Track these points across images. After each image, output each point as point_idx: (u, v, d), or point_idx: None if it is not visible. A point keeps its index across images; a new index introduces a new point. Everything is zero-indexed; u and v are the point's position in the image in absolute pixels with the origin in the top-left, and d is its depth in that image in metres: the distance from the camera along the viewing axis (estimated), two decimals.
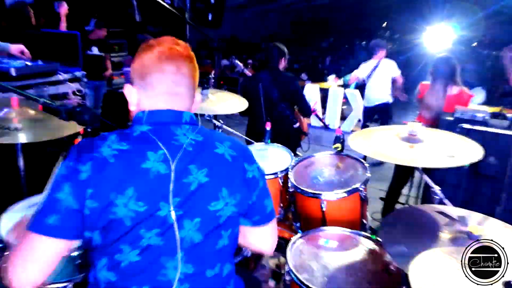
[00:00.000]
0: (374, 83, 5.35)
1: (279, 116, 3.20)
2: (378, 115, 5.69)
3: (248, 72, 3.91)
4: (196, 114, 1.26)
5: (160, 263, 1.08)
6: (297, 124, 3.32)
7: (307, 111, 3.46)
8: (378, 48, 5.29)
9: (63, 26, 4.66)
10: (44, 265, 1.04)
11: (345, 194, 2.07)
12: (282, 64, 3.40)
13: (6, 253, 1.58)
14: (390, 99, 5.42)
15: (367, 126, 5.67)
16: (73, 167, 1.04)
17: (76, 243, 1.09)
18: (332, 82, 7.51)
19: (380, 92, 5.38)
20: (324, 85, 7.68)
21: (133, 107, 1.20)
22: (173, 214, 1.07)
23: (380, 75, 5.30)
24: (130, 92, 1.19)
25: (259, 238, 1.33)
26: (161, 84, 1.15)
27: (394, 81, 5.30)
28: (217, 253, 1.16)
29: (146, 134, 1.12)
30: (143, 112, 1.16)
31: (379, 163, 4.74)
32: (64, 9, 4.55)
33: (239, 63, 3.80)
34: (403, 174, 3.59)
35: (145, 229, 1.05)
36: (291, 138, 3.34)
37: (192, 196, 1.10)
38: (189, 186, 1.09)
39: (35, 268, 1.03)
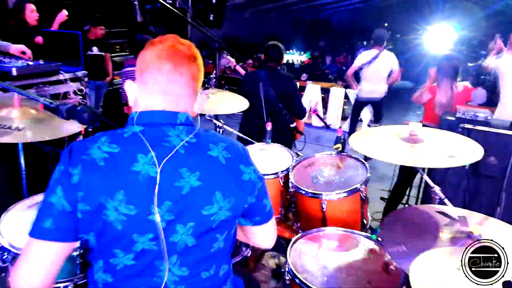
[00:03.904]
0: (371, 74, 5.20)
1: (276, 115, 3.20)
2: (371, 111, 5.60)
3: (240, 69, 3.81)
4: (196, 114, 1.24)
5: (155, 266, 1.08)
6: (294, 124, 3.32)
7: (301, 113, 3.41)
8: (382, 40, 5.14)
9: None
10: (44, 269, 1.04)
11: (346, 194, 2.07)
12: (280, 63, 3.39)
13: (6, 253, 1.59)
14: (383, 95, 5.32)
15: (357, 121, 5.56)
16: (64, 171, 1.04)
17: (75, 244, 1.09)
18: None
19: (375, 85, 5.24)
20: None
21: (131, 103, 1.18)
22: (158, 218, 1.05)
23: (379, 67, 5.15)
24: (130, 88, 1.17)
25: (259, 236, 1.33)
26: (156, 81, 1.12)
27: (390, 73, 5.21)
28: (212, 255, 1.15)
29: (137, 135, 1.09)
30: (137, 112, 1.13)
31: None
32: (61, 16, 4.51)
33: (231, 58, 3.65)
34: (409, 174, 3.58)
35: (138, 233, 1.05)
36: (285, 137, 3.33)
37: (183, 200, 1.07)
38: (181, 190, 1.07)
39: (35, 272, 1.03)
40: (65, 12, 4.49)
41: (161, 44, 1.15)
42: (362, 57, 5.26)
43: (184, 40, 1.18)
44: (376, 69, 5.17)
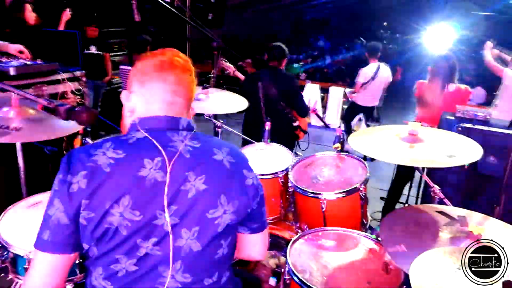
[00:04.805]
0: (374, 86, 5.42)
1: (279, 114, 3.20)
2: (364, 115, 5.77)
3: (240, 75, 3.78)
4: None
5: (158, 272, 1.08)
6: (297, 123, 3.33)
7: (304, 111, 3.46)
8: (376, 51, 5.35)
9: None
10: (49, 278, 1.06)
11: (345, 194, 2.07)
12: (282, 65, 3.42)
13: (5, 252, 1.59)
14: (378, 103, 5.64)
15: (351, 131, 5.68)
16: (63, 180, 1.04)
17: (76, 255, 1.10)
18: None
19: (375, 96, 5.51)
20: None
21: (128, 113, 1.19)
22: (168, 222, 1.06)
23: (382, 80, 5.40)
24: (128, 98, 1.18)
25: (254, 245, 1.32)
26: (160, 92, 1.14)
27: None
28: (216, 262, 1.15)
29: (142, 141, 1.09)
30: (139, 118, 1.14)
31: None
32: (66, 15, 4.54)
33: (229, 64, 3.59)
34: (405, 173, 3.59)
35: (141, 238, 1.05)
36: (289, 136, 3.34)
37: (190, 203, 1.08)
38: (187, 194, 1.08)
39: (41, 281, 1.05)
40: (69, 11, 4.52)
41: (161, 56, 1.18)
42: (364, 73, 5.44)
43: (182, 54, 1.22)
44: (380, 82, 5.41)
